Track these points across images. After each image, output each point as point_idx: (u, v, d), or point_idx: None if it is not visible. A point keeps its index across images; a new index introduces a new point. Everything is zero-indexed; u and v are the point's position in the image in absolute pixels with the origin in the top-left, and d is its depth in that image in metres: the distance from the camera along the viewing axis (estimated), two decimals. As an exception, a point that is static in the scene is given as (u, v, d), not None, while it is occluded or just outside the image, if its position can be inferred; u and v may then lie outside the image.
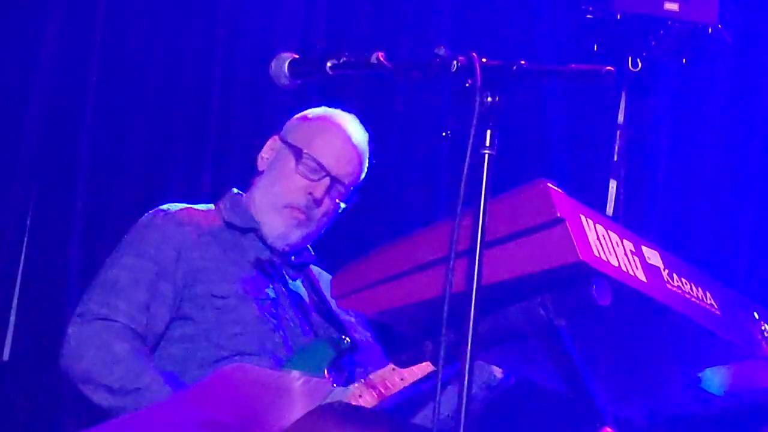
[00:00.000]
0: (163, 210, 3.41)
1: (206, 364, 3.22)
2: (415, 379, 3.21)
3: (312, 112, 3.54)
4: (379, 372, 3.22)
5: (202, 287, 3.29)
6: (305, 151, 3.40)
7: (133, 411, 3.05)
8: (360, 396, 3.19)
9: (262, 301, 3.32)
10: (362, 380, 3.21)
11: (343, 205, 3.44)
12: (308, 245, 3.50)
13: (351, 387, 3.21)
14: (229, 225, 3.41)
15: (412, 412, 3.37)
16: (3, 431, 4.18)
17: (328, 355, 3.26)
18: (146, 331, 3.25)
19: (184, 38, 4.58)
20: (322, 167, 3.39)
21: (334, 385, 3.15)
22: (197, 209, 3.45)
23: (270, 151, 3.49)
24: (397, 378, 3.21)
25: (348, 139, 3.45)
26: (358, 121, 3.53)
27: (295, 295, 3.42)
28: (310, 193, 3.37)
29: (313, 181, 3.38)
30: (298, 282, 3.48)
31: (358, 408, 3.14)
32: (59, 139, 4.34)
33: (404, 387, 3.23)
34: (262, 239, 3.42)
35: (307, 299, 3.45)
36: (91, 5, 4.42)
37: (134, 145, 4.46)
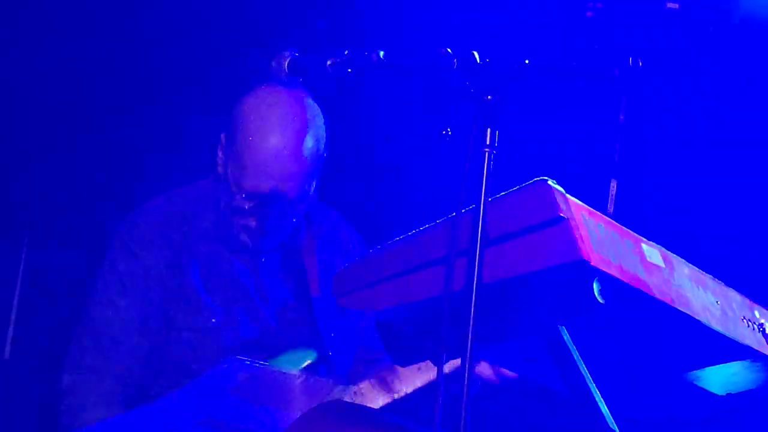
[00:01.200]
0: (140, 227, 3.34)
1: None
2: (418, 380, 3.19)
3: (244, 113, 3.29)
4: (382, 373, 3.21)
5: (179, 315, 3.27)
6: (232, 179, 3.28)
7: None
8: (364, 395, 3.18)
9: (239, 328, 3.29)
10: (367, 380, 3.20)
11: (295, 215, 3.32)
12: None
13: (352, 386, 3.20)
14: (218, 222, 3.36)
15: None
16: (3, 430, 4.18)
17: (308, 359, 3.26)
18: (133, 364, 3.26)
19: (184, 38, 4.58)
20: (251, 195, 3.26)
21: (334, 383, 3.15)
22: (179, 207, 3.38)
23: (220, 153, 3.35)
24: (402, 378, 3.19)
25: (277, 151, 3.22)
26: (297, 108, 3.27)
27: (278, 303, 3.37)
28: (250, 215, 3.29)
29: (246, 206, 3.28)
30: (288, 268, 3.42)
31: (358, 407, 3.13)
32: (61, 138, 4.34)
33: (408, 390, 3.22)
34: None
35: (289, 295, 3.41)
36: (90, 7, 4.43)
37: (136, 145, 4.45)
